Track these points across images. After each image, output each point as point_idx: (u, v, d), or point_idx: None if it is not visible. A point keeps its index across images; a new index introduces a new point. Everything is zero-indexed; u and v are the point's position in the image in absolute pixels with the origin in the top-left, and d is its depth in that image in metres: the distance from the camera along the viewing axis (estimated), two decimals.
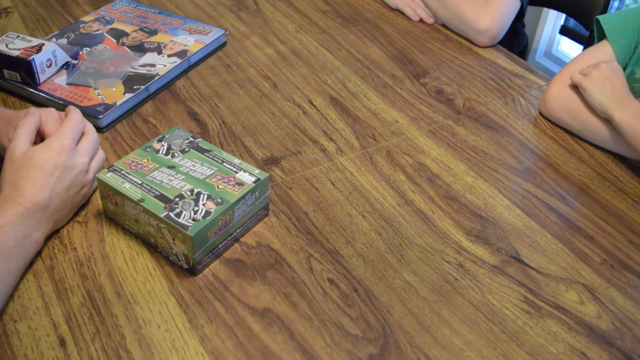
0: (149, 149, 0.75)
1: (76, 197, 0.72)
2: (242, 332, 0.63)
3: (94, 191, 0.77)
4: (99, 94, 0.92)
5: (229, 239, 0.71)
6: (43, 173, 0.67)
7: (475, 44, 1.16)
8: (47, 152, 0.68)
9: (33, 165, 0.67)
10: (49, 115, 0.74)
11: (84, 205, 0.76)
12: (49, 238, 0.70)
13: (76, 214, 0.75)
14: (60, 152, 0.69)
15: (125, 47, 1.04)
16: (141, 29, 1.09)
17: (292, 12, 1.23)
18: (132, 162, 0.73)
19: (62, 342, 0.61)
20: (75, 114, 0.74)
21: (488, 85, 1.05)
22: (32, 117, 0.72)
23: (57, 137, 0.70)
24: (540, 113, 0.98)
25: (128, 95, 0.92)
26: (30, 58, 0.90)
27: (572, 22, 2.13)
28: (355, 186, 0.82)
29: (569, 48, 2.33)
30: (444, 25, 1.22)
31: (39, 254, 0.69)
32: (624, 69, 0.95)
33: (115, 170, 0.72)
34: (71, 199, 0.71)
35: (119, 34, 1.07)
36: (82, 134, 0.74)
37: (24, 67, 0.91)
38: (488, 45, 1.16)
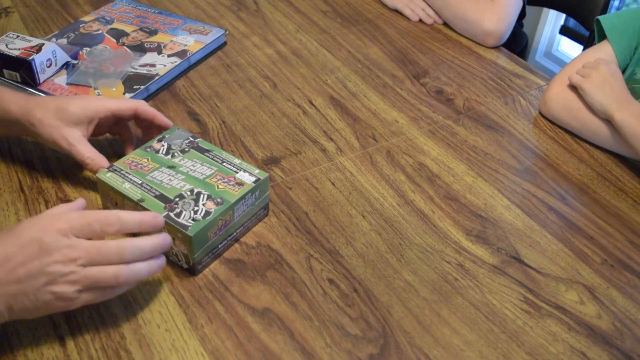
0: (149, 149, 0.75)
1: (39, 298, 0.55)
2: (242, 332, 0.63)
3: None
4: (99, 94, 0.92)
5: (229, 239, 0.71)
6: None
7: (478, 44, 1.16)
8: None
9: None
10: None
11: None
12: None
13: None
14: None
15: (125, 47, 1.04)
16: (141, 29, 1.09)
17: (292, 12, 1.23)
18: (132, 162, 0.73)
19: (62, 342, 0.61)
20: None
21: (488, 85, 1.05)
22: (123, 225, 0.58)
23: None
24: (540, 113, 0.98)
25: (128, 95, 0.92)
26: (30, 58, 0.90)
27: (572, 22, 2.13)
28: (355, 186, 0.82)
29: (569, 48, 2.33)
30: (444, 25, 1.22)
31: None
32: (625, 69, 0.95)
33: (115, 170, 0.72)
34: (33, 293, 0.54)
35: (119, 34, 1.07)
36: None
37: (24, 67, 0.91)
38: (494, 45, 1.15)
